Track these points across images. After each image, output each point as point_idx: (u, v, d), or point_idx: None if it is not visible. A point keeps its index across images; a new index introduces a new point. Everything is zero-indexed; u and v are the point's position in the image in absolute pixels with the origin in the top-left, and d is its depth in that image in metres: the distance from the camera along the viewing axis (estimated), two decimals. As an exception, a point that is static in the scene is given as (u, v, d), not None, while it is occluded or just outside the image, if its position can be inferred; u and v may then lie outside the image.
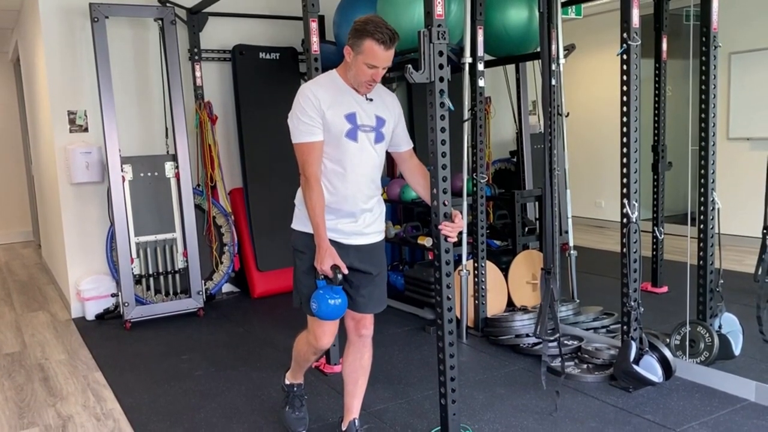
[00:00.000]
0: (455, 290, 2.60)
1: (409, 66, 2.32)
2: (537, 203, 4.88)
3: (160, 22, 4.69)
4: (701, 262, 3.48)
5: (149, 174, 4.69)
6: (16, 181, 8.53)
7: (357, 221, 2.46)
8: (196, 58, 5.01)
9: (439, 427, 2.61)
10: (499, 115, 5.84)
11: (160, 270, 4.77)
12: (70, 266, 4.84)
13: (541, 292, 3.65)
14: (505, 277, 4.27)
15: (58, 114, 4.69)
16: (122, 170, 4.51)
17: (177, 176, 4.74)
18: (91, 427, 3.05)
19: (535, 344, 3.67)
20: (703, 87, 3.39)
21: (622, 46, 3.02)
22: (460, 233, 3.86)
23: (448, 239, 2.46)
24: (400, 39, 2.31)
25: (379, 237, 2.55)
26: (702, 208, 3.44)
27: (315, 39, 3.44)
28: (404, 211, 5.15)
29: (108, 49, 4.42)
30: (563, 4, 4.21)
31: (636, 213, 3.09)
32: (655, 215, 4.52)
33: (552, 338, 3.28)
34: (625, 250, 3.12)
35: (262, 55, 5.17)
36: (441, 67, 2.37)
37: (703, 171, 3.42)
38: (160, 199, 4.73)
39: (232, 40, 5.18)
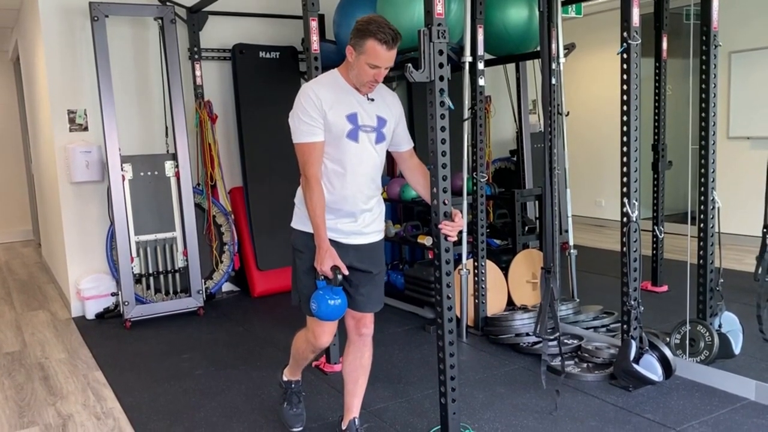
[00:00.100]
0: (455, 289, 2.60)
1: (409, 65, 2.32)
2: (537, 202, 4.88)
3: (160, 21, 4.69)
4: (701, 261, 3.48)
5: (149, 173, 4.68)
6: (16, 180, 8.53)
7: (356, 221, 2.46)
8: (196, 57, 5.01)
9: (439, 426, 2.62)
10: (499, 114, 5.83)
11: (160, 269, 4.77)
12: (70, 265, 4.84)
13: (541, 291, 3.65)
14: (505, 276, 4.27)
15: (58, 113, 4.69)
16: (122, 169, 4.51)
17: (177, 175, 4.74)
18: (91, 426, 3.05)
19: (535, 343, 3.67)
20: (704, 86, 3.39)
21: (622, 45, 3.02)
22: (460, 232, 3.88)
23: (448, 238, 2.45)
24: (402, 39, 2.31)
25: (378, 236, 2.55)
26: (702, 207, 3.44)
27: (315, 38, 3.44)
28: (404, 210, 5.15)
29: (108, 48, 4.41)
30: (563, 3, 4.20)
31: (636, 212, 3.09)
32: (655, 214, 4.53)
33: (552, 337, 3.28)
34: (625, 249, 3.12)
35: (262, 54, 5.17)
36: (441, 66, 2.37)
37: (703, 170, 3.42)
38: (160, 198, 4.73)
39: (232, 39, 5.18)
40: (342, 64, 2.41)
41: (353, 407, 2.67)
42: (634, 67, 3.01)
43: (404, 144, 2.57)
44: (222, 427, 2.95)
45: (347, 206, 2.43)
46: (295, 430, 2.87)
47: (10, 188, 8.55)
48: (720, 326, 3.41)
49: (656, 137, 4.55)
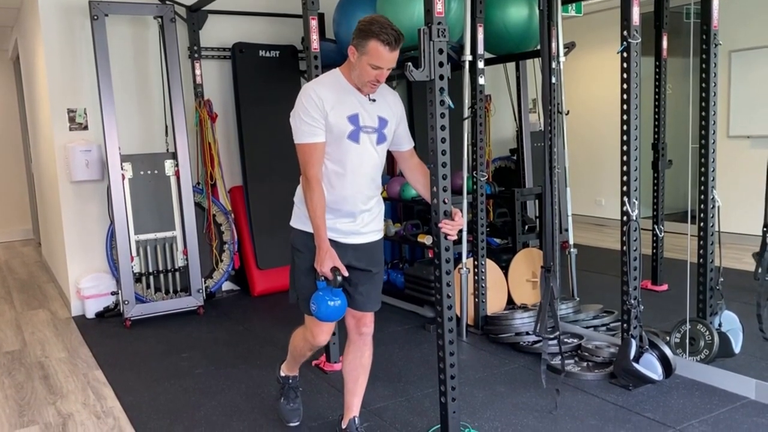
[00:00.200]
0: (455, 288, 2.60)
1: (409, 64, 2.32)
2: (537, 201, 4.88)
3: (159, 19, 4.69)
4: (701, 260, 3.48)
5: (149, 172, 4.68)
6: (16, 179, 8.53)
7: (355, 221, 2.46)
8: (196, 56, 5.00)
9: (439, 425, 2.62)
10: (499, 113, 5.83)
11: (160, 268, 4.77)
12: (70, 264, 4.84)
13: (541, 290, 3.65)
14: (505, 275, 4.27)
15: (58, 112, 4.69)
16: (122, 168, 4.50)
17: (177, 174, 4.74)
18: (91, 425, 3.05)
19: (535, 342, 3.67)
20: (704, 85, 3.39)
21: (622, 44, 3.02)
22: (460, 231, 3.88)
23: (448, 237, 2.45)
24: (404, 39, 2.30)
25: (377, 236, 2.55)
26: (702, 206, 3.44)
27: (315, 37, 3.44)
28: (404, 209, 5.15)
29: (108, 47, 4.41)
30: (563, 2, 4.19)
31: (636, 211, 3.09)
32: (655, 213, 4.52)
33: (552, 336, 3.28)
34: (625, 248, 3.12)
35: (261, 53, 5.17)
36: (441, 64, 2.37)
37: (703, 169, 3.42)
38: (160, 197, 4.73)
39: (232, 37, 5.18)
40: (344, 64, 2.40)
41: (353, 406, 2.67)
42: (634, 65, 3.01)
43: (405, 144, 2.56)
44: (222, 425, 2.95)
45: (347, 206, 2.43)
46: (292, 424, 2.91)
47: (10, 187, 8.55)
48: (720, 325, 3.41)
49: (656, 136, 4.55)
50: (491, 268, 4.17)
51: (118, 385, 3.48)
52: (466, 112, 3.98)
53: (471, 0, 3.88)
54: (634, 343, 3.12)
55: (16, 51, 7.03)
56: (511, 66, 5.14)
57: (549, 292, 3.26)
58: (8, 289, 5.90)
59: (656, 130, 4.55)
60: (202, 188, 5.01)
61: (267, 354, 3.84)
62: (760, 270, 3.49)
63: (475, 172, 4.02)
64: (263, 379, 3.44)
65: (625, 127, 3.07)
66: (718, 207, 3.45)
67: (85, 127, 4.76)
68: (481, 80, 3.93)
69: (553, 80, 3.69)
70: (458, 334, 3.88)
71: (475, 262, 4.03)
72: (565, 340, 3.64)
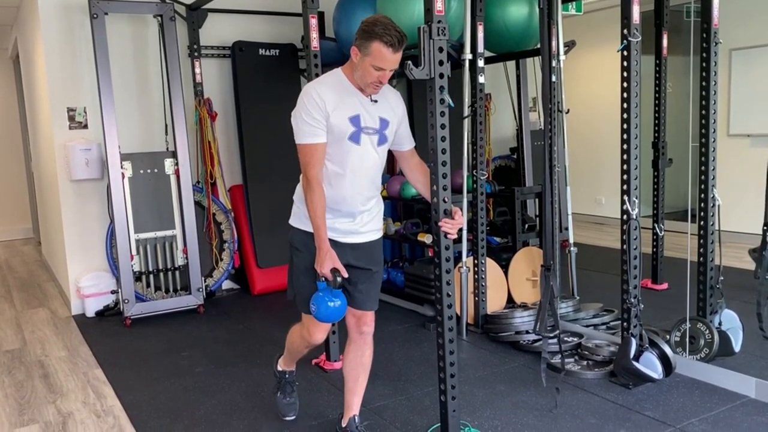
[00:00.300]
0: (455, 287, 2.60)
1: (409, 62, 2.31)
2: (537, 200, 4.88)
3: (159, 18, 4.68)
4: (701, 258, 3.47)
5: (149, 171, 4.68)
6: (15, 178, 8.53)
7: (354, 221, 2.46)
8: (196, 54, 5.00)
9: (439, 424, 2.62)
10: (499, 112, 5.83)
11: (160, 267, 4.77)
12: (70, 263, 4.84)
13: (541, 289, 3.65)
14: (505, 273, 4.27)
15: (58, 111, 4.69)
16: (122, 167, 4.50)
17: (177, 173, 4.73)
18: (91, 423, 3.05)
19: (535, 341, 3.67)
20: (704, 83, 3.39)
21: (622, 43, 3.01)
22: (460, 230, 3.87)
23: (448, 236, 2.45)
24: (407, 41, 2.29)
25: (376, 235, 2.55)
26: (702, 204, 3.43)
27: (314, 35, 3.43)
28: (404, 208, 5.15)
29: (107, 45, 4.41)
30: (563, 1, 4.20)
31: (636, 210, 3.09)
32: (655, 212, 4.52)
33: (552, 335, 3.28)
34: (625, 246, 3.12)
35: (261, 51, 5.16)
36: (441, 63, 2.36)
37: (703, 168, 3.42)
38: (160, 195, 4.73)
39: (232, 36, 5.17)
40: (346, 64, 2.39)
41: (353, 405, 2.67)
42: (634, 64, 3.01)
43: (406, 143, 2.56)
44: (222, 424, 2.95)
45: (346, 207, 2.43)
46: (288, 418, 2.94)
47: (10, 186, 8.54)
48: (720, 324, 3.41)
49: (656, 135, 4.55)
50: (491, 266, 4.17)
51: (118, 384, 3.48)
52: (466, 111, 3.98)
53: (471, -2, 3.88)
54: (634, 342, 3.12)
55: (16, 50, 7.02)
56: (511, 64, 5.14)
57: (549, 291, 3.26)
58: (8, 287, 5.90)
59: (656, 128, 4.55)
60: (202, 187, 5.01)
61: (267, 353, 3.84)
62: (760, 269, 3.49)
63: (475, 170, 4.01)
64: (263, 377, 3.44)
65: (625, 126, 3.07)
66: (719, 206, 3.45)
67: (85, 126, 4.76)
68: (481, 79, 3.93)
69: (553, 79, 3.69)
70: (458, 332, 3.88)
71: (475, 261, 4.03)
72: (565, 338, 3.64)
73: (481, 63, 3.93)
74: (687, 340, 3.33)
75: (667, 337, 3.40)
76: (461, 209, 3.64)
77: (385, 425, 2.88)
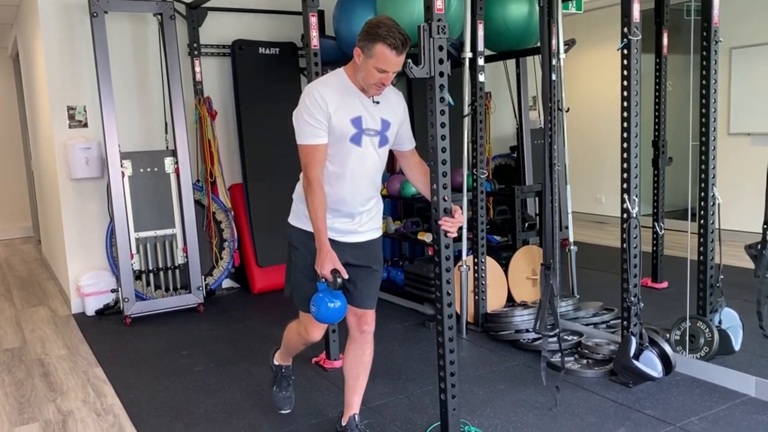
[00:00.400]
0: (455, 286, 2.60)
1: (409, 61, 2.31)
2: (537, 199, 4.88)
3: (159, 17, 4.68)
4: (701, 257, 3.47)
5: (149, 169, 4.68)
6: (15, 176, 8.53)
7: (353, 221, 2.46)
8: (196, 53, 5.00)
9: (439, 423, 2.62)
10: (499, 111, 5.83)
11: (160, 266, 4.77)
12: (70, 262, 4.84)
13: (540, 288, 3.65)
14: (505, 272, 4.27)
15: (58, 109, 4.69)
16: (122, 166, 4.50)
17: (177, 172, 4.73)
18: (91, 422, 3.05)
19: (535, 340, 3.67)
20: (704, 82, 3.38)
21: (622, 41, 3.01)
22: (460, 229, 3.87)
23: (448, 234, 2.45)
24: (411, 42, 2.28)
25: (375, 234, 2.55)
26: (702, 203, 3.43)
27: (314, 34, 3.43)
28: (404, 207, 5.15)
29: (107, 44, 4.40)
30: (563, -1, 4.20)
31: (636, 208, 3.09)
32: (655, 210, 4.52)
33: (552, 334, 3.28)
34: (625, 245, 3.12)
35: (261, 50, 5.16)
36: (441, 61, 2.36)
37: (703, 166, 3.42)
38: (160, 194, 4.72)
39: (232, 35, 5.17)
40: (348, 64, 2.38)
41: (353, 404, 2.67)
42: (634, 63, 3.01)
43: (407, 143, 2.56)
44: (222, 423, 2.95)
45: (345, 207, 2.43)
46: (283, 411, 2.97)
47: (9, 185, 8.54)
48: (720, 322, 3.41)
49: (656, 133, 4.55)
50: (491, 265, 4.17)
51: (118, 383, 3.48)
52: (466, 110, 3.97)
53: (471, -3, 3.88)
54: (634, 341, 3.12)
55: (16, 48, 7.02)
56: (511, 63, 5.13)
57: (549, 290, 3.26)
58: (8, 286, 5.90)
59: (656, 127, 4.54)
60: (202, 186, 5.01)
61: (267, 351, 3.80)
62: (760, 267, 3.49)
63: (475, 169, 4.01)
64: (263, 376, 3.44)
65: (625, 125, 3.07)
66: (719, 204, 3.45)
67: (85, 125, 4.75)
68: (481, 77, 3.93)
69: (554, 77, 3.69)
70: (458, 331, 3.88)
71: (475, 260, 4.03)
72: (565, 337, 3.64)
73: (481, 61, 3.93)
74: (687, 338, 3.33)
75: (667, 335, 3.40)
76: (461, 208, 3.64)
77: (385, 424, 2.88)
